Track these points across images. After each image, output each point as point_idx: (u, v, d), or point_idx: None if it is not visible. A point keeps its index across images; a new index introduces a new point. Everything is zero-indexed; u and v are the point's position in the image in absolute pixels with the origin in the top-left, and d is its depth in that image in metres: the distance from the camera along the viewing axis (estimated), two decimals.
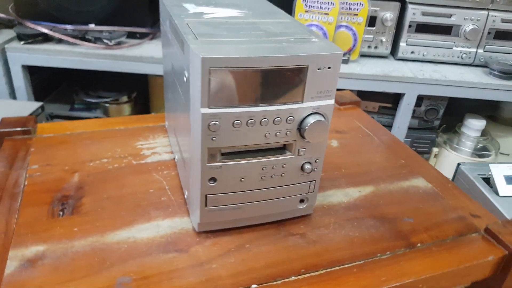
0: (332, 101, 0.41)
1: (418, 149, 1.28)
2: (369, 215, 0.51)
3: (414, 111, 1.21)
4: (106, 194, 0.51)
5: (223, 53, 0.35)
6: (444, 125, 1.32)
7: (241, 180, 0.42)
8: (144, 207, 0.49)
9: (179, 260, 0.42)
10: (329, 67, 0.39)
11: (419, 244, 0.47)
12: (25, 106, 0.95)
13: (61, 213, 0.47)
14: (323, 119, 0.40)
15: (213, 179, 0.41)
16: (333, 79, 0.39)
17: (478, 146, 1.26)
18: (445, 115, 1.29)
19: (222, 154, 0.41)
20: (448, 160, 1.26)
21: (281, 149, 0.43)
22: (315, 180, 0.46)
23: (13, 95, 1.11)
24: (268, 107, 0.38)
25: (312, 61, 0.38)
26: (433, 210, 0.52)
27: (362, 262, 0.44)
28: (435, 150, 1.29)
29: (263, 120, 0.39)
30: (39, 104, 0.96)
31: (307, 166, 0.43)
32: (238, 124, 0.38)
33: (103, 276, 0.40)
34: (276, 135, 0.40)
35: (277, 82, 0.38)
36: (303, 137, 0.41)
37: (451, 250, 0.46)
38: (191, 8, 0.49)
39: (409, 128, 1.24)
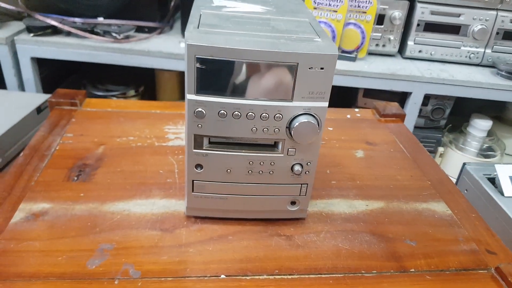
0: (325, 104, 0.40)
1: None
2: (368, 230, 0.48)
3: (420, 110, 1.20)
4: (120, 168, 0.55)
5: (210, 42, 0.36)
6: (450, 125, 1.29)
7: (227, 171, 0.43)
8: (148, 185, 0.52)
9: (161, 239, 0.44)
10: (321, 68, 0.38)
11: (412, 269, 0.44)
12: (33, 98, 0.93)
13: (75, 178, 0.52)
14: (313, 121, 0.39)
15: (200, 166, 0.42)
16: (326, 81, 0.38)
17: (484, 147, 1.22)
18: (451, 114, 1.27)
19: (210, 143, 0.42)
20: (454, 159, 1.25)
21: (271, 146, 0.42)
22: (307, 184, 0.45)
23: (21, 87, 1.12)
24: (254, 101, 0.39)
25: (302, 60, 0.37)
26: (442, 238, 0.48)
27: (341, 275, 0.42)
28: (440, 149, 1.26)
29: (249, 113, 0.39)
30: (47, 96, 0.94)
31: (297, 168, 0.43)
32: (223, 114, 0.39)
33: (89, 239, 0.43)
34: (263, 131, 0.40)
35: (265, 77, 0.38)
36: (291, 136, 0.40)
37: (447, 282, 0.42)
38: (217, 1, 0.51)
39: (415, 127, 1.23)
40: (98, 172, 0.53)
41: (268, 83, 0.38)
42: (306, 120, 0.39)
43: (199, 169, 0.43)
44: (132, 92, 1.21)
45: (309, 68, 0.37)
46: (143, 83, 1.27)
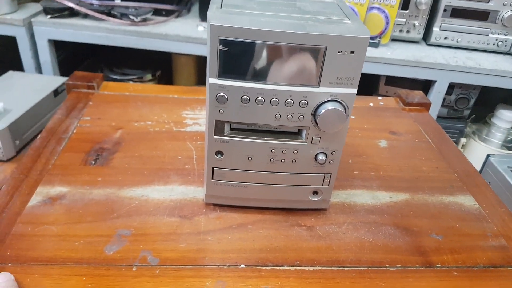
0: (354, 90, 0.38)
1: None
2: (392, 223, 0.46)
3: (444, 99, 1.15)
4: (138, 153, 0.54)
5: (234, 23, 0.34)
6: (474, 115, 1.25)
7: (248, 158, 0.41)
8: (166, 171, 0.51)
9: (180, 226, 0.43)
10: (351, 52, 0.36)
11: (438, 265, 0.42)
12: (50, 80, 0.93)
13: (93, 162, 0.51)
14: (340, 108, 0.37)
15: (220, 153, 0.41)
16: (356, 66, 0.36)
17: (508, 138, 1.19)
18: (475, 105, 1.22)
19: (231, 129, 0.40)
20: (476, 151, 1.21)
21: (294, 134, 0.41)
22: (330, 174, 0.43)
23: (39, 69, 1.12)
24: (279, 87, 0.37)
25: (331, 43, 0.35)
26: (470, 232, 0.46)
27: (365, 268, 0.41)
28: (463, 140, 1.23)
29: (273, 99, 0.37)
30: (64, 79, 0.94)
31: (320, 157, 0.41)
32: (246, 99, 0.37)
33: (106, 225, 0.42)
34: (287, 117, 0.38)
35: (290, 60, 0.36)
36: (317, 124, 0.39)
37: (475, 279, 0.41)
38: None
39: (438, 117, 1.20)
40: (115, 157, 0.52)
41: (294, 67, 0.36)
42: (332, 107, 0.37)
43: (219, 156, 0.41)
44: (149, 76, 1.20)
45: (339, 52, 0.35)
46: (160, 67, 1.26)
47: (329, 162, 0.42)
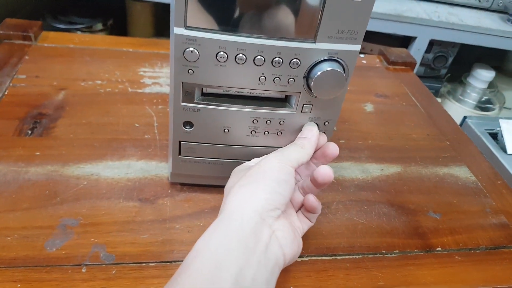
0: (357, 47, 0.30)
1: None
2: (386, 200, 0.41)
3: (422, 57, 1.10)
4: (86, 119, 0.45)
5: None
6: (449, 74, 1.20)
7: (224, 130, 0.34)
8: (121, 142, 0.42)
9: (140, 212, 0.36)
10: None
11: (439, 248, 0.37)
12: None
13: (29, 132, 0.42)
14: (339, 69, 0.30)
15: (189, 124, 0.33)
16: (363, 16, 0.29)
17: (483, 99, 1.15)
18: (451, 64, 1.17)
19: (203, 95, 0.32)
20: (450, 111, 1.18)
21: (281, 100, 0.33)
22: None
23: None
24: (265, 41, 0.29)
25: None
26: (469, 209, 0.42)
27: (359, 256, 0.35)
28: (438, 100, 1.18)
29: (258, 57, 0.29)
30: None
31: None
32: (223, 57, 0.29)
33: (48, 213, 0.34)
34: (274, 81, 0.31)
35: (280, 7, 0.28)
36: (310, 89, 0.31)
37: (479, 263, 0.36)
38: None
39: None
40: (58, 124, 0.43)
41: (284, 16, 0.28)
42: (330, 68, 0.30)
43: (188, 127, 0.33)
44: (99, 26, 1.05)
45: None
46: (112, 15, 1.12)
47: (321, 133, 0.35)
